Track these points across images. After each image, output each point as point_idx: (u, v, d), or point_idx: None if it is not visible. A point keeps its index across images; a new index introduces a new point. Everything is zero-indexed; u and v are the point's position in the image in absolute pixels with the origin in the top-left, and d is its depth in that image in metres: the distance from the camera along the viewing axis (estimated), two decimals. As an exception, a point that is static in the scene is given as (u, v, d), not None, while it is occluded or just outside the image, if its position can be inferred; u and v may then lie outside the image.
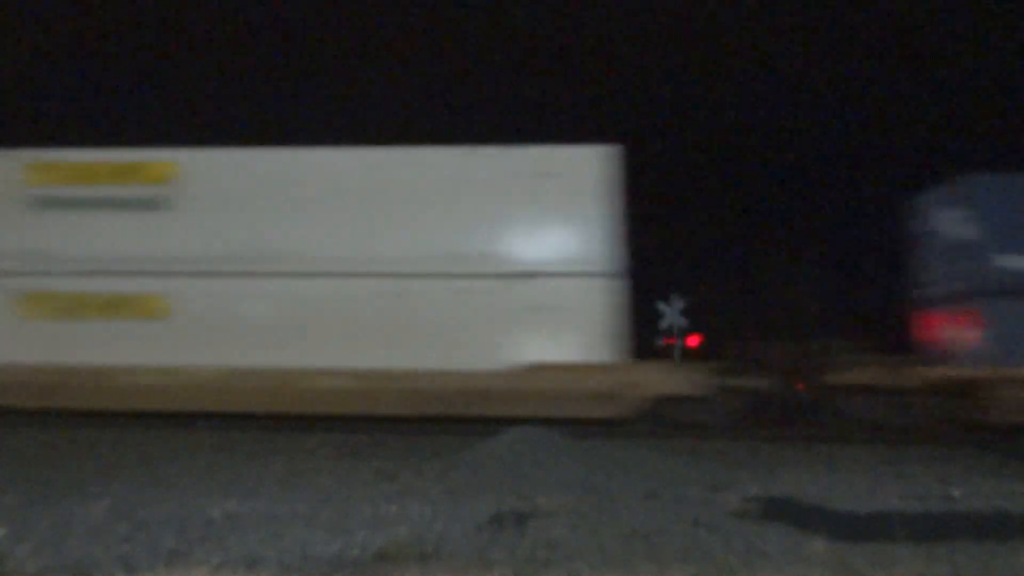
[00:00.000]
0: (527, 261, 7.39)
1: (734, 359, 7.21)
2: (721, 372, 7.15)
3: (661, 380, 7.17)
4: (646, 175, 8.29)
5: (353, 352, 7.30)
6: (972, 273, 7.26)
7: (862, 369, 7.06)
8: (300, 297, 7.50)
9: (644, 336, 7.64)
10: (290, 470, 5.12)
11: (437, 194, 7.61)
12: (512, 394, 7.05)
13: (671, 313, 10.73)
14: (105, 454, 5.80)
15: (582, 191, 7.46)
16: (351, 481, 4.71)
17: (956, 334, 7.47)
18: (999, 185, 7.37)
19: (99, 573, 2.88)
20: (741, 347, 7.30)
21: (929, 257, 8.14)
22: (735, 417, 7.13)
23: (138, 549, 3.12)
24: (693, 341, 10.50)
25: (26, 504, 3.93)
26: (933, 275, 8.08)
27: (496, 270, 7.39)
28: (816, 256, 9.13)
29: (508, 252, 7.44)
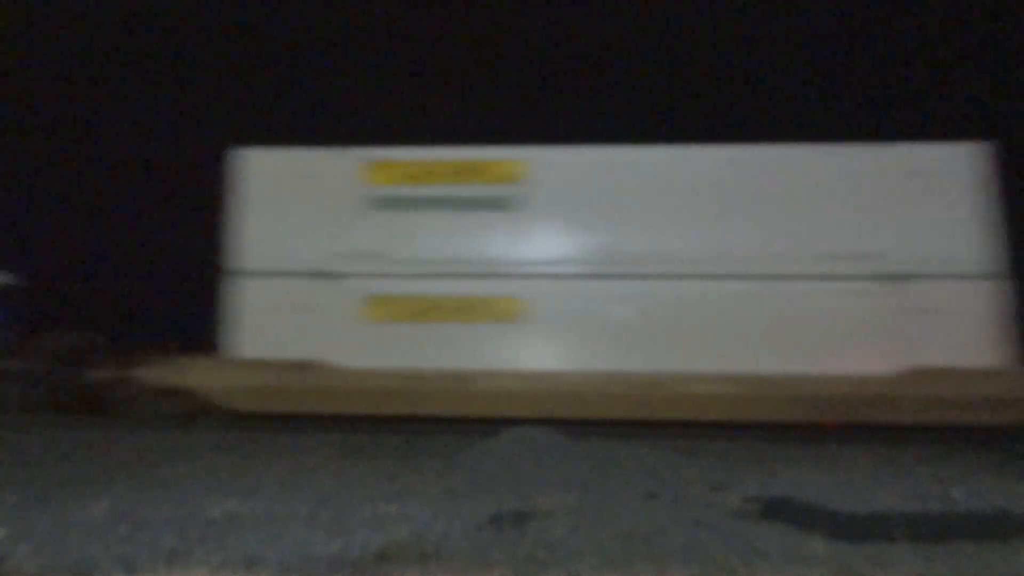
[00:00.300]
0: (905, 262, 7.14)
1: None
2: None
3: None
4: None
5: (726, 356, 7.12)
6: None
7: None
8: (663, 300, 7.28)
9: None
10: (290, 470, 5.11)
11: (806, 193, 7.35)
12: (898, 399, 6.81)
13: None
14: (105, 454, 5.79)
15: (958, 189, 7.20)
16: (351, 481, 4.71)
17: None
18: None
19: (99, 573, 2.88)
20: None
21: None
22: None
23: (138, 549, 3.12)
24: None
25: (26, 504, 3.93)
26: None
27: (874, 271, 7.16)
28: None
29: (885, 253, 7.20)
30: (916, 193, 7.27)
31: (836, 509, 3.85)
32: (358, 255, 7.53)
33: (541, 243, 7.48)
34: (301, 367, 7.26)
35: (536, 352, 7.28)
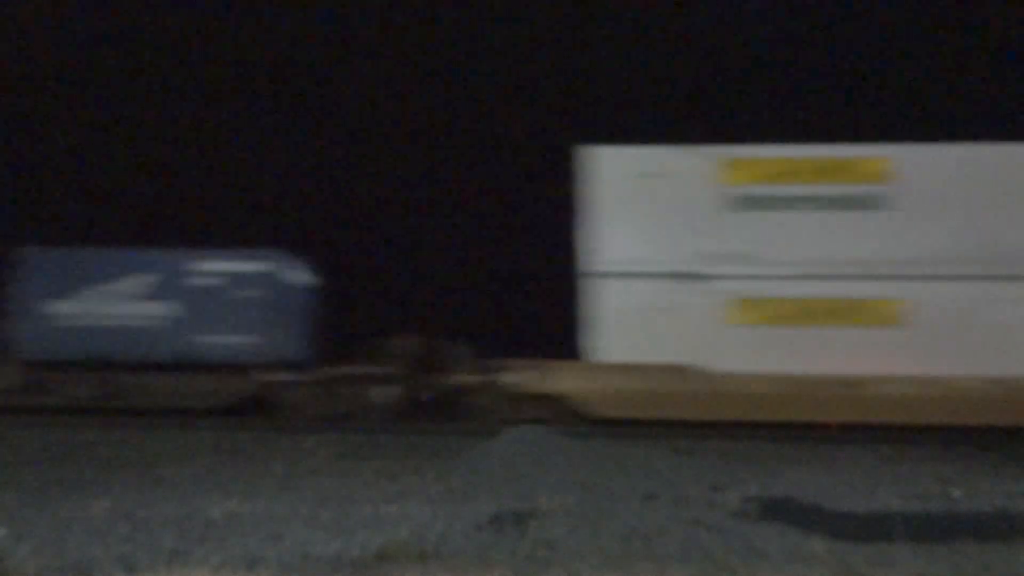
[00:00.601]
0: None
1: None
2: None
3: None
4: None
5: None
6: None
7: None
8: None
9: None
10: (290, 470, 5.11)
11: None
12: None
13: None
14: (105, 454, 5.79)
15: None
16: (351, 481, 4.71)
17: None
18: None
19: (99, 573, 2.88)
20: None
21: None
22: None
23: (138, 549, 3.12)
24: None
25: (26, 504, 3.93)
26: None
27: None
28: None
29: None
30: None
31: (836, 509, 3.86)
32: (721, 256, 7.31)
33: (917, 243, 7.20)
34: (676, 371, 7.03)
35: (919, 356, 6.99)
